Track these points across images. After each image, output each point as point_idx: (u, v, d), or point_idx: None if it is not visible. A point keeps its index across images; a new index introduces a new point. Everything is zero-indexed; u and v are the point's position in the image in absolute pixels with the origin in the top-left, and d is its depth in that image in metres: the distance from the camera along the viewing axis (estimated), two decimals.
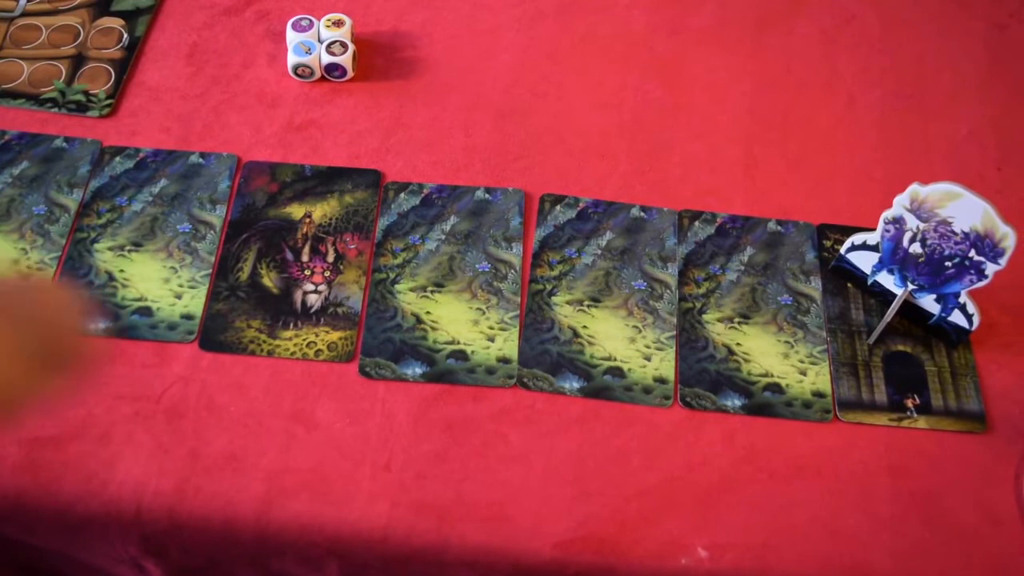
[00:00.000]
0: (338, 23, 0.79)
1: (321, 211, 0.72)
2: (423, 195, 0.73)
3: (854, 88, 0.81)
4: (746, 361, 0.66)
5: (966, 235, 0.61)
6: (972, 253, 0.61)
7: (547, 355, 0.66)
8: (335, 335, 0.66)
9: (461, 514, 0.60)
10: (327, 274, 0.69)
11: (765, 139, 0.78)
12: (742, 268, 0.70)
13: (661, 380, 0.65)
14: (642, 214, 0.73)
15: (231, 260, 0.69)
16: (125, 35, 0.81)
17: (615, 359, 0.66)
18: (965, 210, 0.61)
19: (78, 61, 0.79)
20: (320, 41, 0.78)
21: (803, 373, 0.66)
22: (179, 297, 0.67)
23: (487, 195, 0.73)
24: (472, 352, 0.66)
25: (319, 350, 0.65)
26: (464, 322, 0.67)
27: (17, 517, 0.61)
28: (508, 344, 0.66)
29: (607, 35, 0.84)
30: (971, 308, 0.64)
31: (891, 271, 0.67)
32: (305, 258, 0.69)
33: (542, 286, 0.69)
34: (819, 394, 0.65)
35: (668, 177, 0.75)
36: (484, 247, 0.70)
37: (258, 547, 0.60)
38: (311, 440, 0.62)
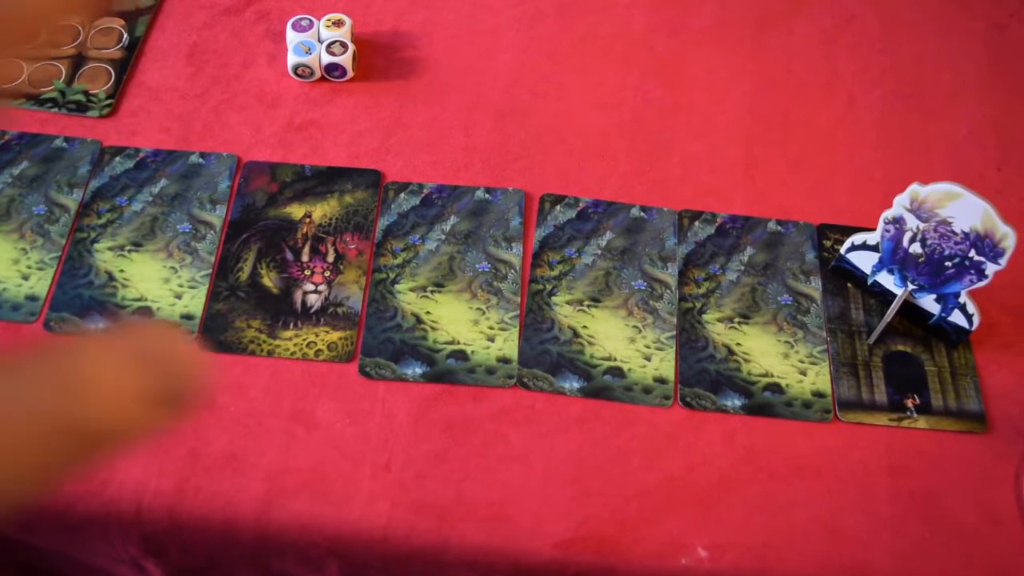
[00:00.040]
0: (338, 23, 0.79)
1: (321, 211, 0.72)
2: (423, 195, 0.73)
3: (854, 88, 0.81)
4: (746, 361, 0.66)
5: (966, 235, 0.61)
6: (972, 253, 0.61)
7: (547, 355, 0.66)
8: (335, 335, 0.66)
9: (461, 514, 0.60)
10: (327, 274, 0.69)
11: (765, 139, 0.78)
12: (742, 268, 0.70)
13: (661, 380, 0.65)
14: (642, 214, 0.73)
15: (231, 260, 0.69)
16: (125, 35, 0.81)
17: (615, 359, 0.66)
18: (965, 210, 0.61)
19: (78, 61, 0.79)
20: (320, 41, 0.78)
21: (803, 373, 0.66)
22: (179, 297, 0.67)
23: (487, 195, 0.73)
24: (472, 352, 0.66)
25: (319, 350, 0.65)
26: (464, 322, 0.67)
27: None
28: (508, 344, 0.66)
29: (607, 35, 0.84)
30: (971, 308, 0.64)
31: (891, 271, 0.67)
32: (305, 258, 0.69)
33: (542, 286, 0.69)
34: (819, 394, 0.65)
35: (668, 177, 0.75)
36: (484, 247, 0.70)
37: (258, 547, 0.60)
38: (311, 440, 0.62)
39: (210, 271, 0.68)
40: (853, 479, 0.62)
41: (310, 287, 0.68)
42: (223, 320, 0.66)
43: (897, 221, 0.64)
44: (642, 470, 0.62)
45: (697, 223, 0.72)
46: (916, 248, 0.64)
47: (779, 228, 0.73)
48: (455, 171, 0.74)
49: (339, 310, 0.67)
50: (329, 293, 0.68)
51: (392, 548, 0.59)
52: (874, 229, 0.67)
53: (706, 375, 0.65)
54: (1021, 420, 0.65)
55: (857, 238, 0.68)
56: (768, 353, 0.67)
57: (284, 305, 0.67)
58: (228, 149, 0.75)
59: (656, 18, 0.85)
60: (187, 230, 0.70)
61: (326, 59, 0.77)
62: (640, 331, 0.67)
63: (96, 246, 0.69)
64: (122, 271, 0.68)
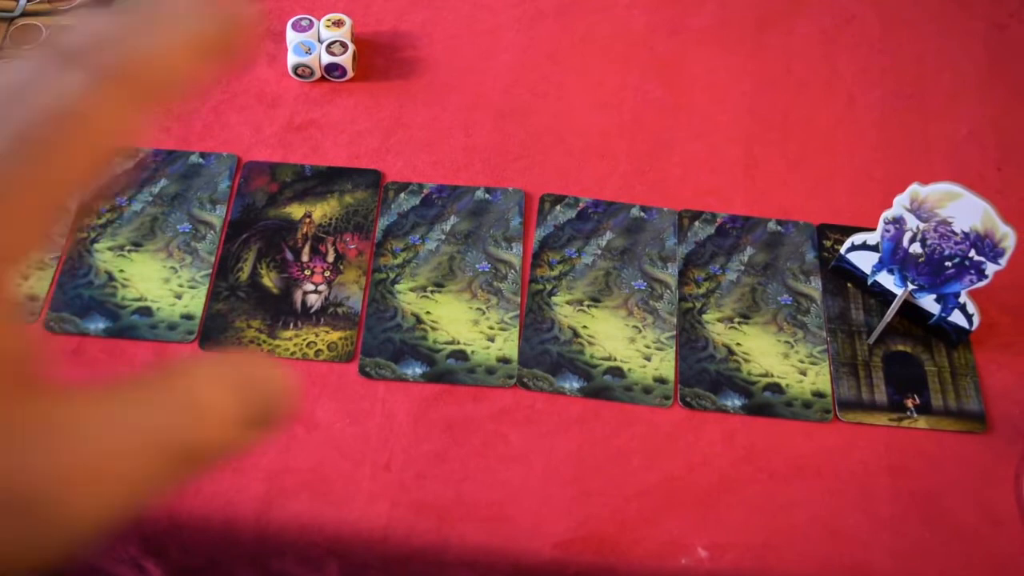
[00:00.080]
0: (338, 23, 0.79)
1: (321, 211, 0.72)
2: (423, 195, 0.73)
3: (854, 88, 0.81)
4: (746, 361, 0.66)
5: (966, 235, 0.61)
6: (972, 253, 0.61)
7: (547, 355, 0.66)
8: (335, 335, 0.66)
9: (461, 514, 0.60)
10: (327, 274, 0.69)
11: (765, 139, 0.78)
12: (742, 268, 0.70)
13: (661, 380, 0.65)
14: (642, 214, 0.73)
15: (231, 260, 0.69)
16: None
17: (615, 359, 0.66)
18: (965, 210, 0.61)
19: None
20: (320, 41, 0.78)
21: (803, 373, 0.66)
22: (179, 297, 0.67)
23: (487, 195, 0.73)
24: (472, 352, 0.66)
25: (319, 350, 0.65)
26: (464, 322, 0.67)
27: None
28: (508, 344, 0.66)
29: (607, 35, 0.84)
30: (971, 308, 0.64)
31: (891, 271, 0.67)
32: (305, 258, 0.69)
33: (542, 286, 0.69)
34: (819, 394, 0.65)
35: (668, 177, 0.75)
36: (484, 247, 0.70)
37: (258, 547, 0.60)
38: (311, 440, 0.62)
39: (210, 271, 0.68)
40: (853, 479, 0.62)
41: (310, 287, 0.68)
42: (223, 320, 0.66)
43: (897, 221, 0.64)
44: (642, 470, 0.62)
45: (697, 223, 0.72)
46: (916, 248, 0.64)
47: (779, 228, 0.73)
48: (455, 171, 0.74)
49: (339, 310, 0.67)
50: (329, 293, 0.68)
51: (392, 548, 0.59)
52: (874, 229, 0.67)
53: (706, 375, 0.65)
54: (1021, 420, 0.65)
55: (857, 238, 0.68)
56: (768, 353, 0.67)
57: (284, 305, 0.67)
58: (228, 149, 0.75)
59: (656, 18, 0.85)
60: (187, 230, 0.70)
61: (326, 59, 0.77)
62: (640, 331, 0.67)
63: (96, 246, 0.69)
64: (122, 271, 0.68)
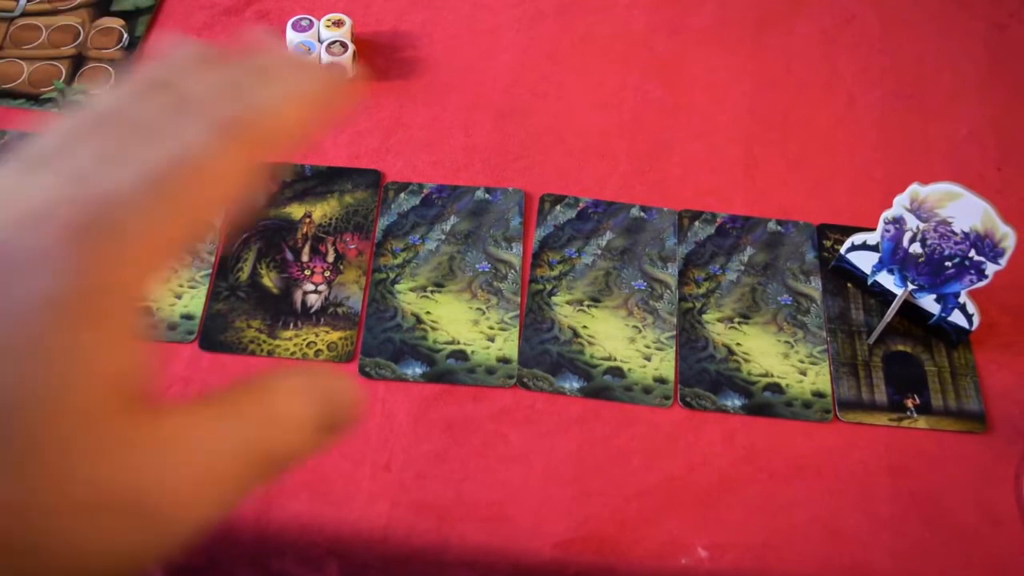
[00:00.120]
0: (338, 23, 0.79)
1: (321, 211, 0.72)
2: (423, 195, 0.73)
3: (854, 88, 0.81)
4: (746, 361, 0.66)
5: (966, 235, 0.61)
6: (972, 253, 0.61)
7: (547, 355, 0.66)
8: (335, 335, 0.66)
9: (461, 514, 0.60)
10: (327, 274, 0.69)
11: (765, 139, 0.78)
12: (742, 268, 0.70)
13: (661, 380, 0.65)
14: (642, 214, 0.73)
15: (231, 260, 0.69)
16: (125, 35, 0.81)
17: (615, 359, 0.66)
18: (965, 210, 0.61)
19: (78, 61, 0.79)
20: (320, 41, 0.78)
21: (803, 373, 0.66)
22: (179, 297, 0.67)
23: (487, 195, 0.73)
24: (472, 352, 0.66)
25: (319, 350, 0.65)
26: (464, 322, 0.67)
27: None
28: (508, 344, 0.66)
29: (607, 35, 0.84)
30: (971, 308, 0.64)
31: (891, 271, 0.67)
32: (305, 258, 0.70)
33: (542, 286, 0.69)
34: (819, 394, 0.65)
35: (668, 177, 0.75)
36: (484, 247, 0.70)
37: (258, 547, 0.60)
38: None
39: (210, 271, 0.68)
40: (853, 479, 0.62)
41: (310, 287, 0.68)
42: (223, 320, 0.66)
43: (897, 221, 0.64)
44: (642, 470, 0.62)
45: (697, 223, 0.72)
46: (916, 248, 0.64)
47: (779, 228, 0.73)
48: (455, 171, 0.74)
49: (339, 310, 0.67)
50: (329, 293, 0.68)
51: (392, 548, 0.59)
52: (874, 229, 0.67)
53: (706, 375, 0.65)
54: (1021, 420, 0.65)
55: (857, 238, 0.68)
56: (768, 353, 0.67)
57: (284, 305, 0.67)
58: None
59: (656, 18, 0.85)
60: None
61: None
62: (640, 331, 0.67)
63: None
64: None
